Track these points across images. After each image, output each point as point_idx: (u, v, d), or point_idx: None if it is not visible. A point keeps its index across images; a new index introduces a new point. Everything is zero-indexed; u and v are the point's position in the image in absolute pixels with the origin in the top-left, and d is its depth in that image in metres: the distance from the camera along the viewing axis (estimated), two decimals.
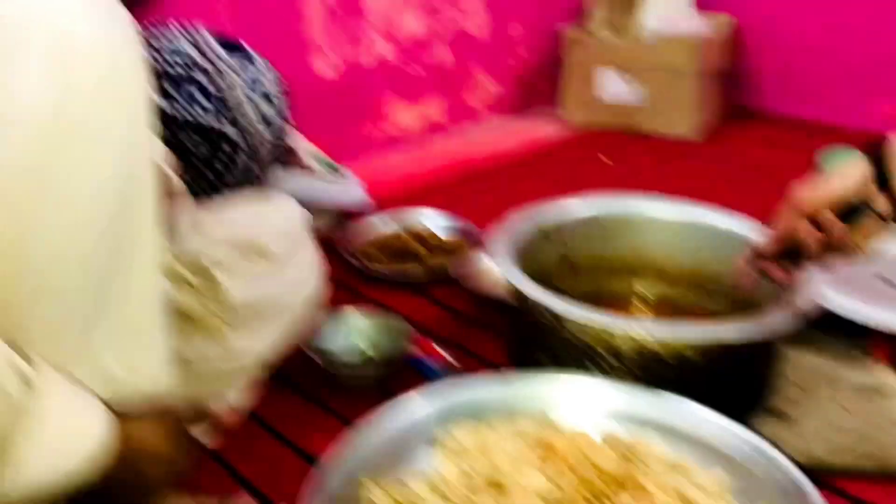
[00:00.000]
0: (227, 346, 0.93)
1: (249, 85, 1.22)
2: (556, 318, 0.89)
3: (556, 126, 2.28)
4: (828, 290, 1.09)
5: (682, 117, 2.11)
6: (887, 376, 1.05)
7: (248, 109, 1.21)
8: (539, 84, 2.49)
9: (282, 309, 1.03)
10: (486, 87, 2.35)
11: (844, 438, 0.93)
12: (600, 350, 0.87)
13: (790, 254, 0.81)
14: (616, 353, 0.87)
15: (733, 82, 2.38)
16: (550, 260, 1.11)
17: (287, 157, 1.53)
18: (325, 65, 1.97)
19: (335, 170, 1.60)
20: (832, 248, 0.78)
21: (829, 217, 0.76)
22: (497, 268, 0.93)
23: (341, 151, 1.78)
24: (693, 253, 1.10)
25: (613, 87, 2.18)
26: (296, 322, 1.05)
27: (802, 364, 1.08)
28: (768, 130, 2.18)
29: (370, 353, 1.12)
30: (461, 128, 2.31)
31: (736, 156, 1.99)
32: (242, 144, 1.18)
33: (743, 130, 2.20)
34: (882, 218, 0.74)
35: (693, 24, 2.13)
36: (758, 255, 0.84)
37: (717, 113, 2.29)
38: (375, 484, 0.78)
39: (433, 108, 2.23)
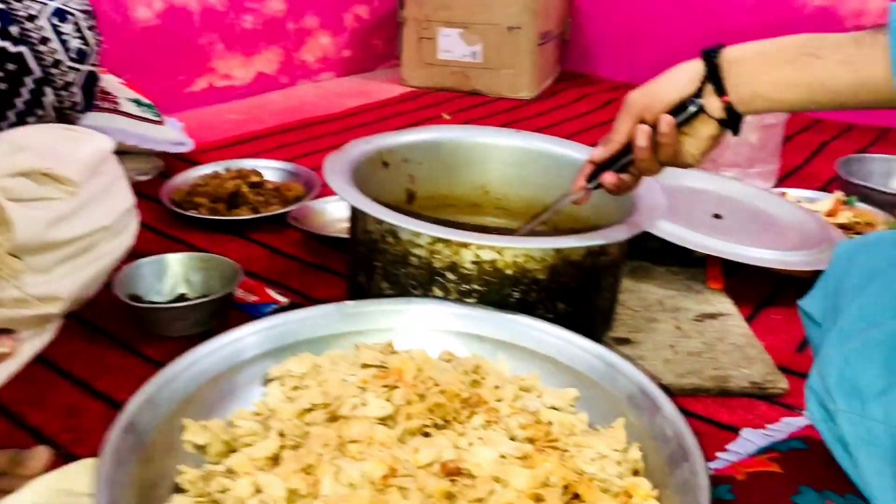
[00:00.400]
0: (22, 289, 0.80)
1: (54, 11, 1.07)
2: (400, 240, 0.83)
3: (396, 86, 2.22)
4: (664, 221, 1.10)
5: (518, 77, 2.12)
6: (724, 303, 1.08)
7: (50, 34, 1.06)
8: (379, 44, 2.43)
9: (86, 249, 0.91)
10: (323, 44, 2.26)
11: (686, 362, 0.93)
12: (445, 272, 0.82)
13: (627, 161, 0.78)
14: (461, 273, 0.82)
15: (567, 46, 2.43)
16: (395, 195, 1.05)
17: (102, 99, 1.38)
18: (145, 7, 1.81)
19: (156, 114, 1.46)
20: (661, 149, 0.75)
21: (658, 117, 0.73)
22: (337, 192, 0.85)
23: (167, 102, 1.64)
24: (535, 183, 1.07)
25: (451, 46, 2.15)
26: (104, 264, 0.93)
27: (644, 296, 1.09)
28: (600, 93, 2.23)
29: (189, 295, 1.01)
30: (297, 85, 2.20)
31: (568, 115, 2.02)
32: (34, 67, 1.03)
33: (575, 92, 2.23)
34: (715, 120, 0.72)
35: None
36: (593, 163, 0.81)
37: (552, 75, 2.32)
38: (197, 425, 0.69)
39: (267, 63, 2.11)
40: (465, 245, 0.81)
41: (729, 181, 1.33)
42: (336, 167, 0.90)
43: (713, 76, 0.71)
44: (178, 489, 0.65)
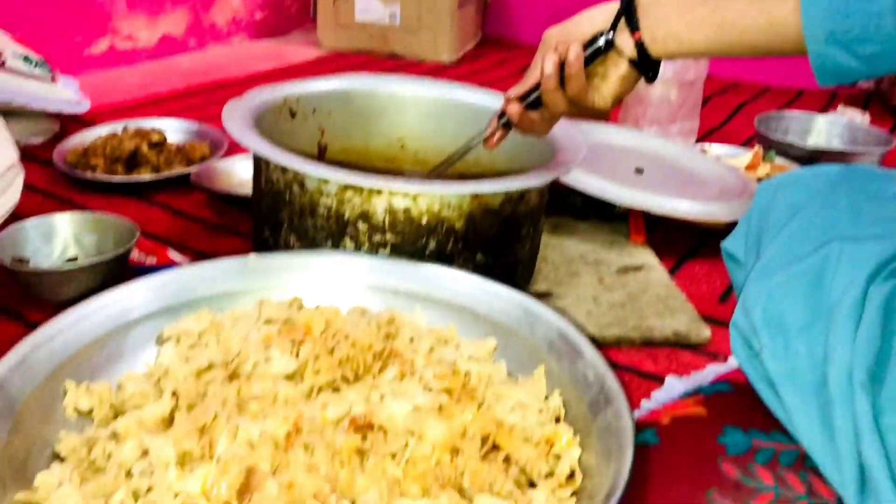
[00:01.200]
0: None
1: None
2: (306, 189, 0.78)
3: (311, 49, 2.14)
4: (586, 175, 1.07)
5: (436, 40, 2.07)
6: (646, 256, 1.06)
7: None
8: (293, 5, 2.34)
9: None
10: (234, 6, 2.16)
11: (609, 313, 0.91)
12: (356, 221, 0.77)
13: (538, 95, 0.74)
14: (373, 224, 0.77)
15: (488, 10, 2.38)
16: (304, 148, 0.99)
17: None
18: None
19: (47, 71, 1.35)
20: (569, 82, 0.71)
21: (570, 51, 0.70)
22: (235, 137, 0.79)
23: (62, 64, 1.53)
24: (453, 135, 1.03)
25: (368, 7, 2.08)
26: None
27: (566, 251, 1.06)
28: (521, 58, 2.20)
29: (80, 258, 0.93)
30: (206, 48, 2.10)
31: (488, 79, 1.98)
32: None
33: (496, 56, 2.20)
34: (627, 60, 0.69)
35: None
36: (508, 100, 0.77)
37: (473, 39, 2.28)
38: (80, 387, 0.63)
39: (174, 25, 2.00)
40: (377, 192, 0.76)
41: (650, 137, 1.32)
42: (237, 113, 0.84)
43: (628, 13, 0.68)
44: (58, 458, 0.58)
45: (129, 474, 0.55)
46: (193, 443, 0.57)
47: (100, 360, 0.66)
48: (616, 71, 0.70)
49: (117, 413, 0.63)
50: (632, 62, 0.69)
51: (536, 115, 0.76)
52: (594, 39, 0.70)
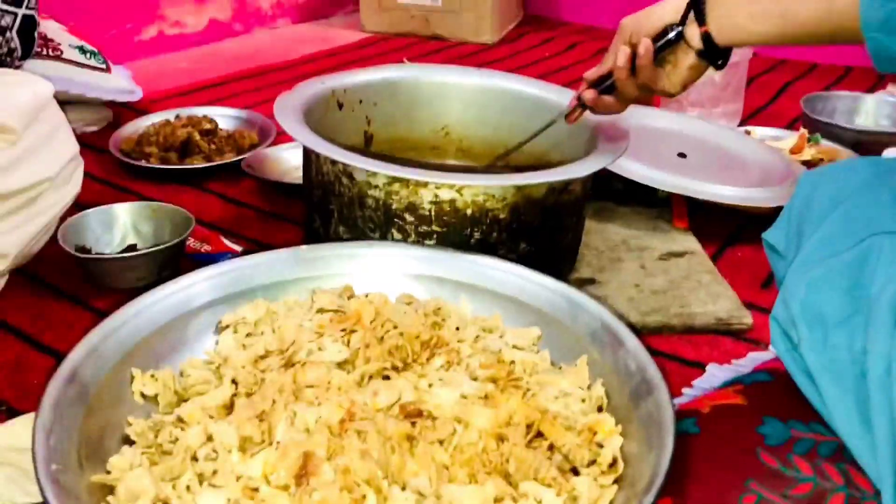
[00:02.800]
0: None
1: None
2: (355, 181, 0.80)
3: (354, 32, 2.16)
4: (628, 161, 1.08)
5: (479, 21, 2.07)
6: (689, 242, 1.06)
7: None
8: None
9: (31, 201, 0.87)
10: None
11: (651, 300, 0.92)
12: (403, 213, 0.79)
13: (611, 82, 0.80)
14: (420, 215, 0.79)
15: None
16: (351, 138, 1.01)
17: (43, 46, 1.31)
18: None
19: (102, 61, 1.39)
20: (640, 72, 0.75)
21: (641, 45, 0.74)
22: (288, 131, 0.81)
23: (114, 52, 1.57)
24: (496, 123, 1.04)
25: None
26: (50, 216, 0.89)
27: (609, 236, 1.07)
28: (563, 36, 2.19)
29: (139, 246, 0.97)
30: (251, 32, 2.13)
31: (531, 59, 1.98)
32: None
33: (538, 36, 2.19)
34: (694, 51, 0.72)
35: None
36: (586, 81, 0.82)
37: (515, 19, 2.28)
38: (146, 375, 0.66)
39: (220, 9, 2.04)
40: (423, 184, 0.78)
41: (693, 120, 1.32)
42: (287, 107, 0.86)
43: (696, 5, 0.72)
44: (128, 441, 0.62)
45: (194, 458, 0.59)
46: (254, 428, 0.60)
47: (163, 347, 0.70)
48: (685, 60, 0.75)
49: (180, 399, 0.66)
50: (700, 52, 0.73)
51: (611, 98, 0.82)
52: (665, 31, 0.74)
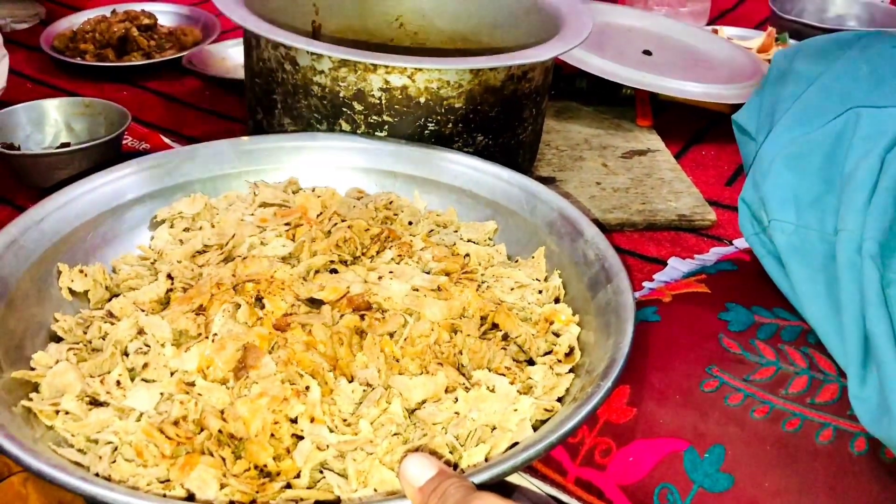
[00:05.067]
0: None
1: None
2: (299, 67, 0.74)
3: None
4: (592, 56, 1.03)
5: None
6: (652, 140, 1.03)
7: None
8: None
9: None
10: None
11: (613, 197, 0.89)
12: (352, 102, 0.74)
13: None
14: (369, 103, 0.74)
15: None
16: (297, 29, 0.94)
17: None
18: None
19: None
20: None
21: None
22: (224, 11, 0.75)
23: None
24: (451, 12, 0.98)
25: None
26: None
27: (571, 135, 1.03)
28: None
29: (70, 143, 0.91)
30: None
31: None
32: None
33: None
34: None
35: None
36: None
37: None
38: (73, 269, 0.62)
39: None
40: (372, 68, 0.73)
41: (659, 18, 1.26)
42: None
43: None
44: (55, 339, 0.58)
45: (125, 353, 0.55)
46: (189, 322, 0.56)
47: (93, 242, 0.65)
48: None
49: (112, 295, 0.62)
50: None
51: None
52: None
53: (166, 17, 1.26)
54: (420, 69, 0.72)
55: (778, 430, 0.49)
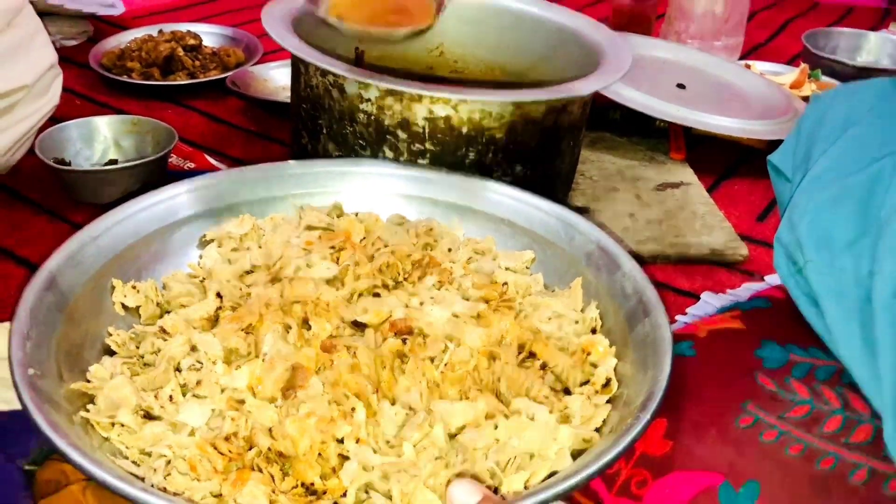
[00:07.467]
0: None
1: None
2: (346, 94, 0.77)
3: None
4: (627, 88, 1.05)
5: None
6: (686, 173, 1.04)
7: None
8: None
9: (6, 109, 0.83)
10: None
11: (646, 229, 0.91)
12: (396, 130, 0.76)
13: None
14: (413, 132, 0.76)
15: None
16: (343, 58, 0.97)
17: None
18: None
19: None
20: None
21: None
22: (274, 37, 0.77)
23: None
24: (492, 44, 1.00)
25: None
26: (27, 126, 0.86)
27: (605, 166, 1.05)
28: None
29: (119, 160, 0.94)
30: None
31: None
32: None
33: None
34: None
35: None
36: None
37: None
38: (127, 285, 0.64)
39: None
40: (417, 99, 0.75)
41: (693, 52, 1.28)
42: (275, 16, 0.82)
43: None
44: (108, 352, 0.60)
45: (177, 369, 0.57)
46: (240, 341, 0.58)
47: (145, 259, 0.68)
48: None
49: (163, 311, 0.64)
50: None
51: None
52: None
53: (210, 37, 1.30)
54: (465, 100, 0.74)
55: (812, 468, 0.50)
